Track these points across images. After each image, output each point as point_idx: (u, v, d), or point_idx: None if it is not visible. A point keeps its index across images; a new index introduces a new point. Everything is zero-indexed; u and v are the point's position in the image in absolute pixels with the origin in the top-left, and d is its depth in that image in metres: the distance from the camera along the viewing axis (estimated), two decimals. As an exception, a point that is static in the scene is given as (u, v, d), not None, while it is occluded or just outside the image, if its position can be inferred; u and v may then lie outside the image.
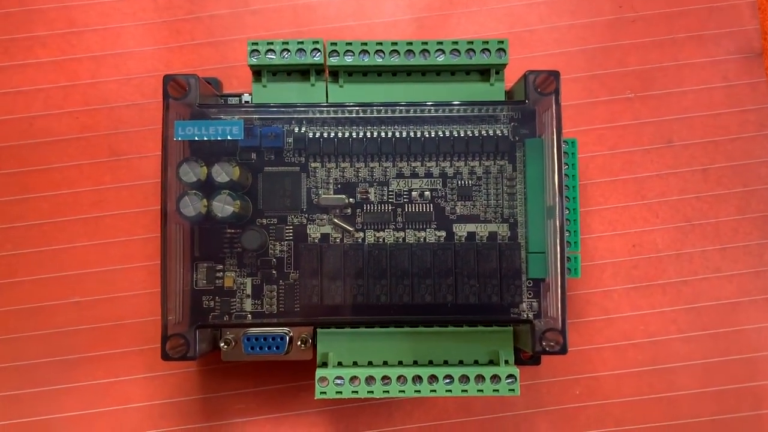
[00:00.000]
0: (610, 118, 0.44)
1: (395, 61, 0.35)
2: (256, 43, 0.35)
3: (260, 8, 0.44)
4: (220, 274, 0.35)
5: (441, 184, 0.36)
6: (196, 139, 0.34)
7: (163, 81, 0.34)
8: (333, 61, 0.35)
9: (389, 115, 0.36)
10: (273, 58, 0.35)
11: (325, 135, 0.35)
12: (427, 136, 0.36)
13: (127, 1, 0.44)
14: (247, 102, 0.38)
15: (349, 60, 0.35)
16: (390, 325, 0.35)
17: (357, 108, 0.35)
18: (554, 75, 0.35)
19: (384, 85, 0.36)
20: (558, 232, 0.34)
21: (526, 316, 0.35)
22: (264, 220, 0.35)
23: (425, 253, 0.35)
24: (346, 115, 0.36)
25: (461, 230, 0.36)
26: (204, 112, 0.35)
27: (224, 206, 0.33)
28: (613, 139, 0.44)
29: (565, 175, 0.38)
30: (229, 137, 0.34)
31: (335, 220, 0.35)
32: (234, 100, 0.38)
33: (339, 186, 0.36)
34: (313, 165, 0.35)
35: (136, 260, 0.42)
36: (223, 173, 0.33)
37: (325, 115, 0.36)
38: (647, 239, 0.44)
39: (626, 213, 0.44)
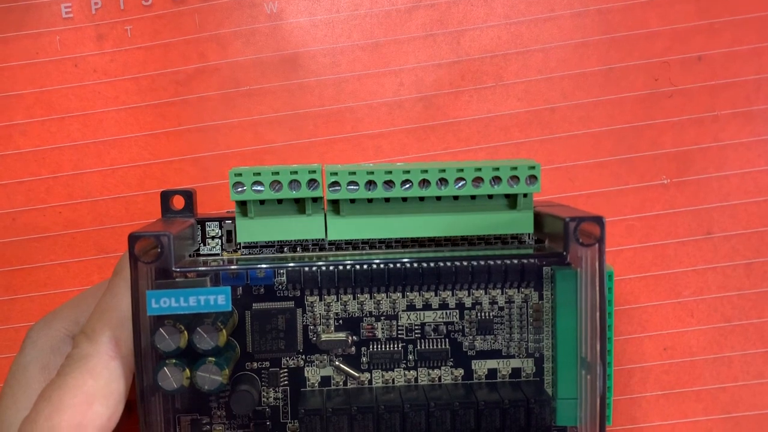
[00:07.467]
0: (641, 206, 0.40)
1: (408, 192, 0.31)
2: (240, 174, 0.30)
3: (252, 89, 0.40)
4: (207, 428, 0.32)
5: (458, 316, 0.33)
6: (174, 313, 0.28)
7: (128, 240, 0.28)
8: (334, 194, 0.31)
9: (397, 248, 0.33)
10: (261, 191, 0.31)
11: (323, 268, 0.32)
12: (442, 265, 0.32)
13: (109, 83, 0.41)
14: (229, 221, 0.33)
15: (353, 191, 0.31)
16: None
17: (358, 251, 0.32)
18: (597, 221, 0.29)
19: (392, 217, 0.32)
20: (597, 393, 0.30)
21: None
22: (255, 364, 0.32)
23: (444, 414, 0.31)
24: (350, 251, 0.33)
25: (481, 367, 0.33)
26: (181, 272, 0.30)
27: (211, 377, 0.29)
28: (644, 231, 0.40)
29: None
30: (213, 310, 0.29)
31: (338, 364, 0.32)
32: (213, 228, 0.33)
33: (340, 322, 0.32)
34: (310, 299, 0.32)
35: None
36: (206, 339, 0.29)
37: (321, 252, 0.33)
38: (681, 341, 0.40)
39: (658, 313, 0.40)
